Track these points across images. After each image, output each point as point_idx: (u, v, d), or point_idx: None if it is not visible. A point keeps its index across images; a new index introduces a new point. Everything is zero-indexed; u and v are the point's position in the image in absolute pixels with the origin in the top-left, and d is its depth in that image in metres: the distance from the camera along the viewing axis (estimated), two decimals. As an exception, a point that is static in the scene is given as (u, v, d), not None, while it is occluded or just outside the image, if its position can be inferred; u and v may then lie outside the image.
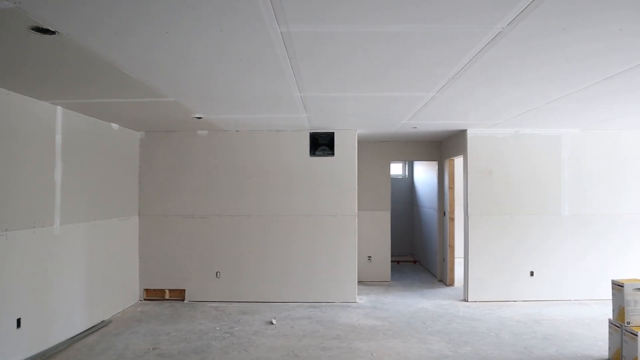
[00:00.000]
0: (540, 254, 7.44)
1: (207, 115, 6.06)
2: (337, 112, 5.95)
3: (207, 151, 7.50)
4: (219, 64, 3.71)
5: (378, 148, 9.06)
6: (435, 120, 6.59)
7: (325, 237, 7.40)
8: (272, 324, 6.18)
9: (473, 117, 6.31)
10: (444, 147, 8.93)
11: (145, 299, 7.43)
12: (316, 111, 5.83)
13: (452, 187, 8.62)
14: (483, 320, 6.33)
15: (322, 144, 7.42)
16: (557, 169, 7.49)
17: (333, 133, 7.42)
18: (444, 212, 8.85)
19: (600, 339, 5.55)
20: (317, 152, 7.43)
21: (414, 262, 10.86)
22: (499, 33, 3.01)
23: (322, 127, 7.21)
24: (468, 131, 7.43)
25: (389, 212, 8.98)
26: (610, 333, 4.95)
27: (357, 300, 7.36)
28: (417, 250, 11.14)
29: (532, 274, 7.42)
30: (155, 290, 7.46)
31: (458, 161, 8.78)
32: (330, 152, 7.42)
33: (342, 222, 7.39)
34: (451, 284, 8.57)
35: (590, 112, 5.96)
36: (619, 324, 4.80)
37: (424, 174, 10.44)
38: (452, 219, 8.59)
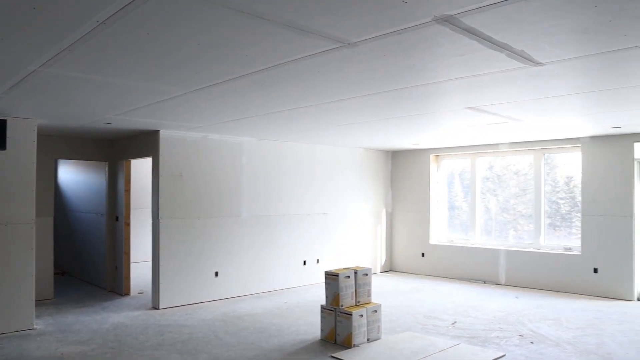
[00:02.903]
0: (224, 254, 7.84)
1: None
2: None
3: None
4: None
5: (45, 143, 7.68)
6: (134, 118, 6.15)
7: (-9, 253, 5.86)
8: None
9: (170, 118, 6.20)
10: (119, 147, 8.30)
11: None
12: None
13: (127, 190, 8.09)
14: (191, 326, 6.26)
15: (-12, 134, 5.87)
16: (238, 174, 8.06)
17: (5, 121, 5.96)
18: (117, 217, 8.22)
19: (302, 324, 6.33)
20: (-20, 145, 5.82)
21: (62, 273, 9.62)
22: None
23: (-8, 114, 5.73)
24: (161, 132, 7.19)
25: (52, 218, 7.75)
26: (323, 317, 5.73)
27: (35, 326, 6.10)
28: (68, 261, 9.86)
29: (216, 274, 7.74)
30: None
31: (136, 162, 8.32)
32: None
33: (14, 232, 5.99)
34: (127, 293, 8.03)
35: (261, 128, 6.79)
36: (333, 307, 5.62)
37: (83, 175, 9.39)
38: (128, 224, 8.08)
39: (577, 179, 8.61)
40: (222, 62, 3.61)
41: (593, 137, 8.10)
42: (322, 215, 9.36)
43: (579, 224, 8.46)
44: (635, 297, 7.68)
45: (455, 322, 6.42)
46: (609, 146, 7.96)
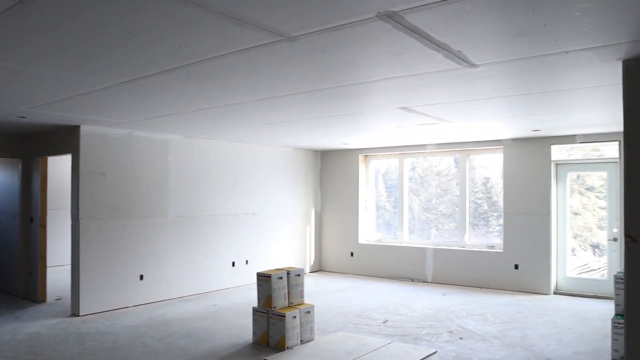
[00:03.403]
0: (149, 256, 7.49)
1: None
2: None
3: None
4: None
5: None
6: (51, 112, 5.74)
7: None
8: None
9: (92, 112, 5.84)
10: (34, 143, 7.72)
11: None
12: None
13: (44, 190, 7.55)
14: (115, 333, 5.92)
15: None
16: (165, 173, 7.73)
17: None
18: (31, 219, 7.65)
19: (232, 328, 6.15)
20: None
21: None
22: None
23: None
24: (82, 128, 6.75)
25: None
26: (255, 320, 5.59)
27: (-64, 339, 5.54)
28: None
29: (141, 277, 7.38)
30: None
31: (54, 160, 7.78)
32: None
33: None
34: (43, 299, 7.48)
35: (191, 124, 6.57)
36: (265, 309, 5.49)
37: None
38: (44, 226, 7.53)
39: (494, 180, 9.01)
40: (151, 52, 3.39)
41: (514, 140, 8.46)
42: (251, 215, 9.19)
43: (495, 222, 8.84)
44: (552, 291, 8.10)
45: (386, 321, 6.47)
46: (528, 148, 8.34)
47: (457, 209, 9.42)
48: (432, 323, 6.34)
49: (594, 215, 8.75)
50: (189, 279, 8.03)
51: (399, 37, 3.06)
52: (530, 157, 8.33)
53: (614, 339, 5.00)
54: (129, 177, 7.26)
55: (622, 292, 5.15)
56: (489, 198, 9.22)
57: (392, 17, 2.73)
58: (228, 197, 8.75)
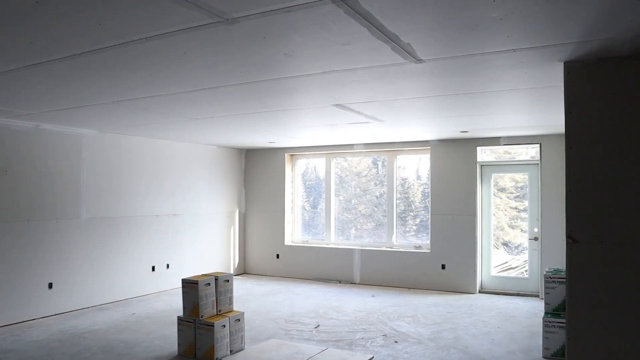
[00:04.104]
0: (60, 262, 6.82)
1: None
2: None
3: None
4: None
5: None
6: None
7: None
8: None
9: None
10: None
11: None
12: None
13: None
14: (20, 350, 5.27)
15: None
16: (77, 170, 7.08)
17: None
18: None
19: (154, 339, 5.68)
20: None
21: None
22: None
23: None
24: (-20, 120, 6.01)
25: None
26: (181, 330, 5.17)
27: None
28: None
29: (50, 285, 6.70)
30: None
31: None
32: None
33: None
34: None
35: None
36: (192, 319, 5.08)
37: None
38: None
39: (411, 181, 9.15)
40: (63, 29, 2.90)
41: (441, 141, 8.54)
42: (172, 216, 8.67)
43: (412, 222, 8.94)
44: (477, 290, 8.24)
45: (318, 326, 6.25)
46: (455, 149, 8.44)
47: (375, 209, 9.54)
48: (365, 327, 6.19)
49: (505, 215, 9.04)
50: (105, 286, 7.40)
51: (349, 25, 2.82)
52: (457, 158, 8.43)
53: (545, 337, 5.08)
54: (36, 176, 6.56)
55: (552, 291, 5.25)
56: (406, 198, 9.34)
57: (345, 1, 2.49)
58: (147, 197, 8.19)
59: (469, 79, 4.20)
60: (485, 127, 7.02)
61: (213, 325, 4.95)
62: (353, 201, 9.83)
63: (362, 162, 9.90)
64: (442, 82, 4.31)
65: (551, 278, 5.26)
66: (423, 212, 9.15)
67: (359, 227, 9.77)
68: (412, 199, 9.34)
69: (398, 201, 9.29)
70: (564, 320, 4.95)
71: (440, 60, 3.62)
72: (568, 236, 3.57)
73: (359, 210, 9.78)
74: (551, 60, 3.57)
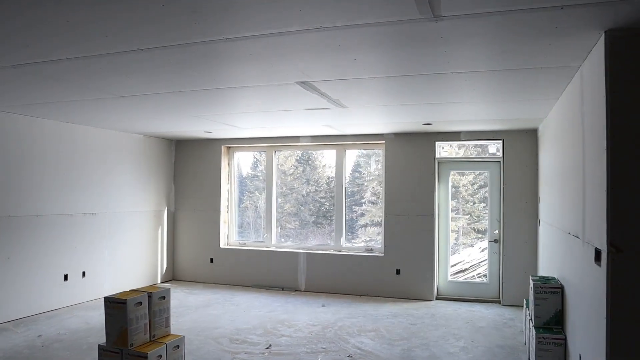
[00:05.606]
0: (-59, 274, 5.42)
1: None
2: None
3: None
4: None
5: None
6: None
7: None
8: None
9: None
10: None
11: None
12: None
13: None
14: None
15: None
16: (-33, 159, 5.69)
17: None
18: None
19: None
20: None
21: None
22: None
23: None
24: None
25: None
26: (101, 363, 4.05)
27: None
28: None
29: None
30: None
31: None
32: None
33: None
34: None
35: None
36: (118, 349, 3.98)
37: None
38: None
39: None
40: None
41: (397, 134, 7.84)
42: (90, 215, 7.38)
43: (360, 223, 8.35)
44: (434, 297, 7.61)
45: (270, 346, 5.31)
46: (412, 144, 7.77)
47: (302, 207, 9.03)
48: (324, 345, 5.32)
49: (464, 215, 8.64)
50: (4, 300, 6.04)
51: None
52: (414, 154, 7.76)
53: (538, 356, 4.44)
54: None
55: (542, 303, 4.66)
56: (332, 197, 8.65)
57: None
58: (60, 193, 6.87)
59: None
60: (445, 119, 6.41)
61: (146, 357, 3.89)
62: (279, 200, 9.17)
63: (287, 160, 9.36)
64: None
65: (542, 288, 4.64)
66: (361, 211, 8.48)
67: (284, 225, 9.19)
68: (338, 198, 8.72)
69: (323, 200, 8.61)
70: (560, 337, 4.38)
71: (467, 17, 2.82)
72: (610, 244, 2.88)
73: (285, 209, 9.20)
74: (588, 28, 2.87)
